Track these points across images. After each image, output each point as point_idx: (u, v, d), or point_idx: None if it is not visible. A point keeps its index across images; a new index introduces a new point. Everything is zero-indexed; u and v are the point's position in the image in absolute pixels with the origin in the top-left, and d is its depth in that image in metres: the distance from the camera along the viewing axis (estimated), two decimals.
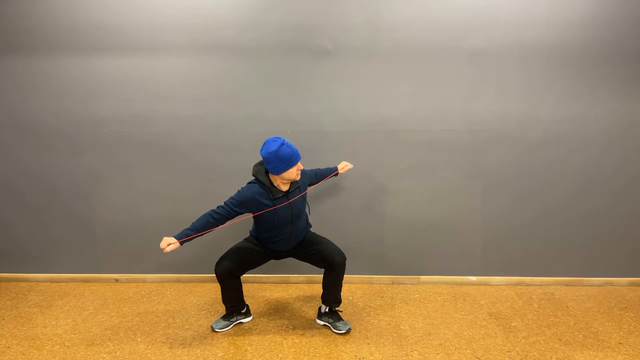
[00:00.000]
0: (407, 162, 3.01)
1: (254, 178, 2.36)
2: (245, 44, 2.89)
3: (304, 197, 2.45)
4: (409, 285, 3.14)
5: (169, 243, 2.19)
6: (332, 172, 2.76)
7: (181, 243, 2.22)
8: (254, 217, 2.41)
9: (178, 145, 3.03)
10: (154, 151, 3.04)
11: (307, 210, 2.56)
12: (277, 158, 2.21)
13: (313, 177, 2.62)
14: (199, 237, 3.07)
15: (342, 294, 2.91)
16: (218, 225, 2.30)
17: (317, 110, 2.95)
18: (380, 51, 2.87)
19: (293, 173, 2.30)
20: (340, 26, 2.85)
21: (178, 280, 3.22)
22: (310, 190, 2.80)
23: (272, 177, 2.32)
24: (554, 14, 2.80)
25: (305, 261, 2.53)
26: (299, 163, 2.31)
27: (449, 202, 3.05)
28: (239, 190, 2.33)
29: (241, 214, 2.33)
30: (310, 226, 2.62)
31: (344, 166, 2.82)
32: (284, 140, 2.24)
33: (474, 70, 2.88)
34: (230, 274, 2.41)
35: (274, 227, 2.39)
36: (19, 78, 2.98)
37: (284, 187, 2.36)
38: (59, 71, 2.96)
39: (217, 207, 2.31)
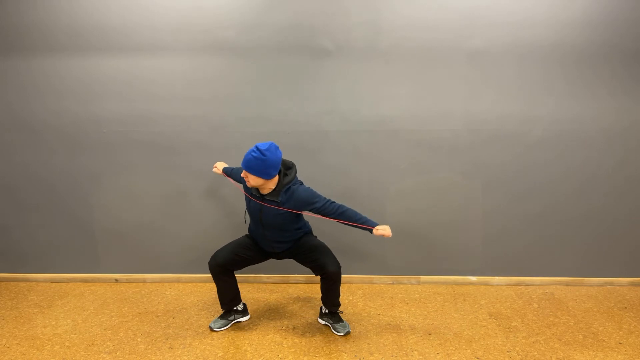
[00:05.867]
0: (407, 162, 3.01)
1: None
2: (246, 44, 2.89)
3: (280, 214, 2.31)
4: (409, 285, 3.14)
5: (216, 166, 2.79)
6: (360, 223, 2.29)
7: (224, 172, 2.73)
8: None
9: (178, 145, 3.03)
10: (154, 151, 3.04)
11: (292, 227, 2.43)
12: None
13: (320, 209, 2.28)
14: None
15: (342, 294, 2.92)
16: (237, 181, 2.61)
17: (317, 110, 2.95)
18: (381, 51, 2.87)
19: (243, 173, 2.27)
20: (340, 26, 2.85)
21: (178, 280, 3.22)
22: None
23: None
24: (553, 14, 2.80)
25: (303, 265, 2.51)
26: (244, 171, 2.23)
27: (449, 202, 3.05)
28: None
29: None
30: (306, 231, 2.55)
31: (381, 232, 2.26)
32: (258, 147, 2.16)
33: (474, 70, 2.88)
34: (223, 267, 2.41)
35: (251, 221, 2.48)
36: (19, 78, 2.98)
37: (262, 190, 2.33)
38: (59, 71, 2.96)
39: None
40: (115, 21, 2.87)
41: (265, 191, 2.32)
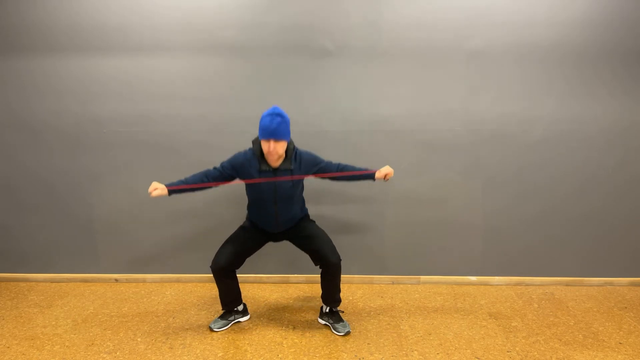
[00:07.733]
0: (407, 162, 3.01)
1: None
2: (246, 44, 2.89)
3: (294, 183, 2.36)
4: (409, 285, 3.14)
5: (155, 188, 2.24)
6: (361, 171, 2.45)
7: (169, 192, 2.28)
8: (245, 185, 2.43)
9: (178, 145, 3.03)
10: (154, 151, 3.04)
11: (301, 198, 2.49)
12: (260, 123, 2.22)
13: (324, 168, 2.42)
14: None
15: (342, 294, 2.92)
16: (211, 184, 2.36)
17: (317, 110, 2.95)
18: (381, 51, 2.87)
19: (265, 147, 2.21)
20: (340, 26, 2.85)
21: (178, 280, 3.22)
22: (310, 177, 2.53)
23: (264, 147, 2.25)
24: (553, 15, 2.80)
25: (301, 249, 2.49)
26: (270, 142, 2.17)
27: (449, 202, 3.05)
28: (235, 154, 2.39)
29: (233, 177, 2.38)
30: (306, 213, 2.58)
31: (384, 174, 2.41)
32: (273, 112, 2.17)
33: (474, 70, 2.88)
34: (226, 270, 2.41)
35: (258, 202, 2.39)
36: (20, 78, 2.98)
37: (273, 163, 2.30)
38: (59, 71, 2.96)
39: (213, 167, 2.40)
40: (115, 21, 2.87)
41: (279, 161, 2.31)
